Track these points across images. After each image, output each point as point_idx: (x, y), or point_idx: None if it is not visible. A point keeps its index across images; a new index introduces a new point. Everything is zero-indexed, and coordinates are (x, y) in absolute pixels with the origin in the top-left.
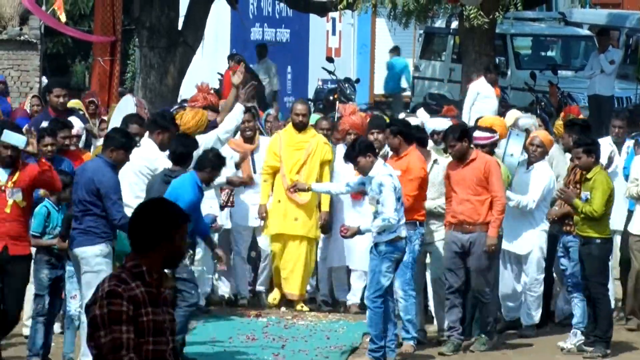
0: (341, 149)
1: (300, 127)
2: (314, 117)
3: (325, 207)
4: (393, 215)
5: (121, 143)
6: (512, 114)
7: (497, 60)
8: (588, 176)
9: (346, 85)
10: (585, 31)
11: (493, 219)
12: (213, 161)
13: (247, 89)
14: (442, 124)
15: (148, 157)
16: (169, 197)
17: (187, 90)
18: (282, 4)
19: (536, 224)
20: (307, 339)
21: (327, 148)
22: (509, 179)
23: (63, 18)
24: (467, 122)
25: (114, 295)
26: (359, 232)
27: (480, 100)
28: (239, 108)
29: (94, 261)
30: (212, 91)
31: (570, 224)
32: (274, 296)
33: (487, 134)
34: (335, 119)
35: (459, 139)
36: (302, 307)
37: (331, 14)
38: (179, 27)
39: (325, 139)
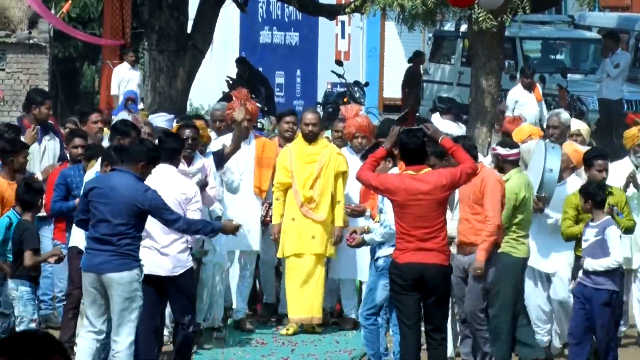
0: (346, 152)
1: (311, 137)
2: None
3: (339, 222)
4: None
5: (152, 156)
6: (575, 124)
7: (506, 63)
8: (610, 190)
9: (355, 88)
10: (594, 34)
11: (481, 240)
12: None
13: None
14: (451, 130)
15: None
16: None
17: (196, 94)
18: (291, 7)
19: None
20: (317, 343)
21: (340, 159)
22: (524, 196)
23: (66, 8)
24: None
25: None
26: (363, 242)
27: (519, 107)
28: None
29: (130, 287)
30: (251, 98)
31: None
32: (289, 330)
33: (515, 150)
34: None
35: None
36: (315, 329)
37: (340, 17)
38: (188, 31)
39: (337, 149)
